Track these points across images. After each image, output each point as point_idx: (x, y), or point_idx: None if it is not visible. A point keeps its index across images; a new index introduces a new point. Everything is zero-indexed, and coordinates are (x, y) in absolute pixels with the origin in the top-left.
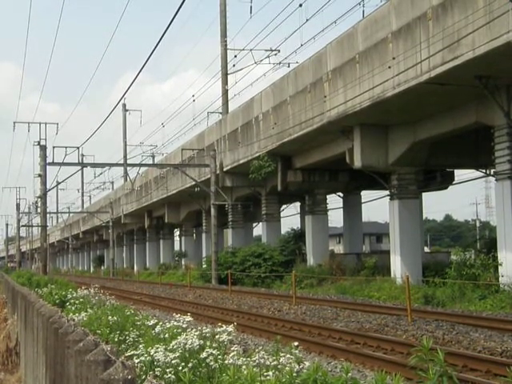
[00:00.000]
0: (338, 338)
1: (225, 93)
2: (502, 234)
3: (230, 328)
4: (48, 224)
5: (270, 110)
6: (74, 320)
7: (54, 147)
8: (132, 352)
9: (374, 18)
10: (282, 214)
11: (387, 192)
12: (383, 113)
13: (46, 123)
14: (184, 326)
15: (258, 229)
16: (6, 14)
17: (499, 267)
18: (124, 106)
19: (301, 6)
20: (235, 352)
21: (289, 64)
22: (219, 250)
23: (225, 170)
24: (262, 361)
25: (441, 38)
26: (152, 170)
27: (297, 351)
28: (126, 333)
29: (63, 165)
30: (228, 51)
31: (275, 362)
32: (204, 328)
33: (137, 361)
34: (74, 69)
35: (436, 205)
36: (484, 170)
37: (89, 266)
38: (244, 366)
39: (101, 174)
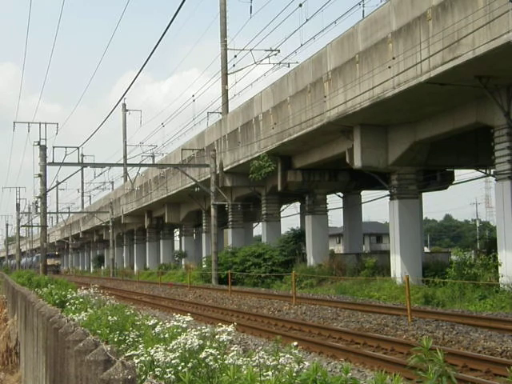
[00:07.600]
0: (337, 338)
1: (225, 93)
2: (501, 234)
3: (230, 328)
4: (48, 224)
5: (270, 110)
6: (73, 320)
7: (53, 147)
8: (132, 352)
9: (373, 17)
10: (282, 214)
11: (387, 192)
12: (383, 113)
13: (45, 123)
14: (184, 325)
15: (258, 229)
16: (5, 14)
17: (499, 267)
18: (124, 105)
19: (301, 5)
20: (235, 352)
21: (289, 64)
22: (219, 250)
23: (225, 170)
24: (261, 361)
25: (441, 38)
26: (152, 169)
27: (296, 351)
28: (126, 333)
29: (63, 165)
30: (228, 51)
31: (275, 362)
32: (204, 328)
33: (137, 361)
34: (74, 69)
35: (436, 205)
36: (484, 170)
37: (89, 265)
38: (244, 366)
39: (101, 174)
